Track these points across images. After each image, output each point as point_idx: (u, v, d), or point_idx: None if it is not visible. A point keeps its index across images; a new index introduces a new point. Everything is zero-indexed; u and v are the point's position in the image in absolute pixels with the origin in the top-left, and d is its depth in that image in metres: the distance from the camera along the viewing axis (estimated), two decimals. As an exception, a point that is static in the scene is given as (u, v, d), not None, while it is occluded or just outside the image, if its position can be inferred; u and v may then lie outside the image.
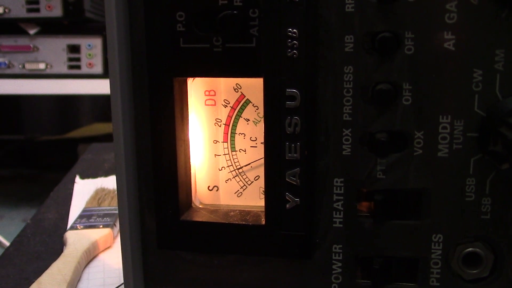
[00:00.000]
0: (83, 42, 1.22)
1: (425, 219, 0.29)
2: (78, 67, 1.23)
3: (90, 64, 1.23)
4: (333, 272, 0.30)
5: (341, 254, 0.30)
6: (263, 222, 0.30)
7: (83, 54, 1.23)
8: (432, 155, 0.28)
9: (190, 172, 0.32)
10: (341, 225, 0.30)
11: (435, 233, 0.29)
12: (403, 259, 0.30)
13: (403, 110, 0.28)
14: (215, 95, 0.32)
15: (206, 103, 0.33)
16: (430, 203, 0.29)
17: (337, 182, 0.29)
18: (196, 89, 0.32)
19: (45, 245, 0.48)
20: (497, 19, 0.27)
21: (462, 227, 0.29)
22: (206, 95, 0.33)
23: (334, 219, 0.30)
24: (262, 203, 0.30)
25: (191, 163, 0.32)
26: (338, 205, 0.30)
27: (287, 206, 0.29)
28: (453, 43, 0.27)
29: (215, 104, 0.33)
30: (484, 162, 0.28)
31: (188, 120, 0.32)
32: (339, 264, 0.30)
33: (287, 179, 0.29)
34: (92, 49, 1.22)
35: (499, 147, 0.26)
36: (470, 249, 0.29)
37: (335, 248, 0.30)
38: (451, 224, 0.29)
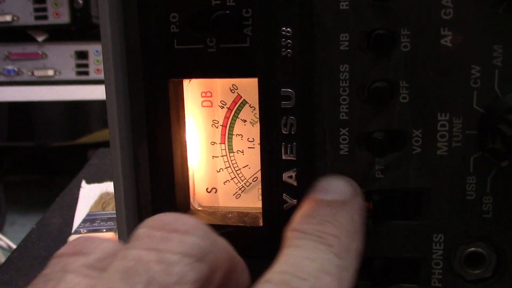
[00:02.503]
0: (91, 48, 1.23)
1: (425, 219, 0.29)
2: (86, 73, 1.25)
3: (98, 70, 1.24)
4: (333, 273, 0.30)
5: (341, 256, 0.30)
6: (261, 224, 0.30)
7: (91, 60, 1.24)
8: (431, 153, 0.28)
9: (188, 174, 0.32)
10: (340, 226, 0.29)
11: (436, 233, 0.29)
12: (404, 260, 0.29)
13: (400, 108, 0.28)
14: (211, 96, 0.32)
15: (203, 105, 0.32)
16: (430, 202, 0.28)
17: (335, 182, 0.29)
18: (193, 90, 0.32)
19: (49, 249, 0.48)
20: (495, 14, 0.26)
21: (463, 227, 0.28)
22: (202, 96, 0.32)
23: (333, 220, 0.29)
24: (260, 204, 0.30)
25: (188, 165, 0.32)
26: (336, 206, 0.29)
27: (285, 207, 0.29)
28: (450, 39, 0.27)
29: (211, 106, 0.32)
30: (484, 160, 0.28)
31: (184, 121, 0.31)
32: (339, 266, 0.30)
33: (284, 180, 0.29)
34: (99, 55, 1.23)
35: (498, 144, 0.26)
36: (472, 249, 0.29)
37: (335, 249, 0.30)
38: (452, 223, 0.28)
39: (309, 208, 0.26)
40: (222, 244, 0.23)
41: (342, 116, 0.28)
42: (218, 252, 0.22)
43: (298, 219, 0.26)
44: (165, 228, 0.21)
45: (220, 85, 0.32)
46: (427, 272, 0.29)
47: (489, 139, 0.26)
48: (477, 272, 0.29)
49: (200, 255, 0.21)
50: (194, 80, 0.32)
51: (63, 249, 0.22)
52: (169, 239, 0.21)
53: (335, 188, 0.26)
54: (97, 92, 1.23)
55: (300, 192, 0.29)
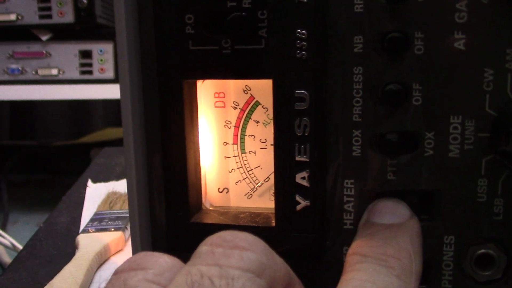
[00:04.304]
0: (95, 47, 1.23)
1: (436, 221, 0.29)
2: (90, 72, 1.25)
3: (102, 69, 1.24)
4: (344, 274, 0.30)
5: (352, 256, 0.30)
6: (273, 224, 0.30)
7: (95, 60, 1.24)
8: (443, 155, 0.28)
9: (200, 174, 0.32)
10: (351, 227, 0.30)
11: (447, 235, 0.29)
12: (415, 261, 0.30)
13: (413, 111, 0.28)
14: (224, 97, 0.32)
15: (216, 105, 0.33)
16: (441, 204, 0.29)
17: (347, 183, 0.29)
18: (206, 91, 0.33)
19: (57, 248, 0.49)
20: (508, 18, 0.26)
21: (474, 229, 0.29)
22: (215, 97, 0.33)
23: (344, 221, 0.30)
24: (272, 205, 0.30)
25: (201, 165, 0.32)
26: (348, 207, 0.29)
27: (297, 208, 0.29)
28: (463, 42, 0.27)
29: (224, 106, 0.33)
30: (496, 162, 0.28)
31: (197, 122, 0.32)
32: (350, 266, 0.30)
33: (296, 181, 0.29)
34: (103, 54, 1.23)
35: (510, 147, 0.26)
36: (482, 250, 0.29)
37: (346, 250, 0.30)
38: (463, 225, 0.29)
39: (368, 231, 0.26)
40: (280, 261, 0.24)
41: (355, 117, 0.28)
42: (277, 268, 0.23)
43: (358, 242, 0.26)
44: (225, 245, 0.22)
45: (233, 86, 0.32)
46: (438, 273, 0.29)
47: (501, 142, 0.27)
48: (487, 273, 0.29)
49: (259, 270, 0.21)
50: (207, 81, 0.32)
51: (122, 266, 0.23)
52: (230, 255, 0.22)
53: (393, 211, 0.27)
54: (101, 92, 1.23)
55: (313, 193, 0.29)
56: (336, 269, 0.30)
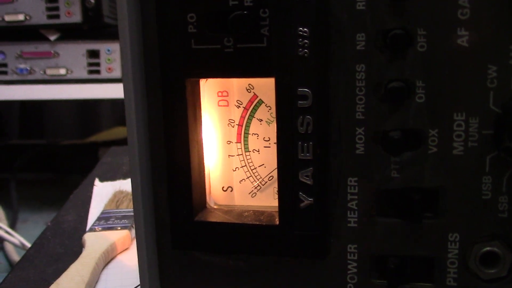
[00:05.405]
0: (103, 47, 1.24)
1: (441, 218, 0.29)
2: (98, 71, 1.25)
3: (109, 68, 1.24)
4: (348, 272, 0.30)
5: (356, 254, 0.30)
6: (277, 222, 0.30)
7: (103, 59, 1.24)
8: (447, 153, 0.28)
9: (204, 173, 0.32)
10: (355, 225, 0.30)
11: (452, 232, 0.29)
12: (419, 259, 0.30)
13: (416, 108, 0.28)
14: (227, 95, 0.33)
15: (219, 104, 0.33)
16: (446, 201, 0.29)
17: (351, 181, 0.29)
18: (209, 90, 0.33)
19: (64, 247, 0.49)
20: (511, 14, 0.26)
21: (479, 226, 0.29)
22: (219, 96, 0.33)
23: (348, 219, 0.30)
24: (276, 203, 0.30)
25: (205, 164, 0.32)
26: (352, 205, 0.29)
27: (301, 205, 0.29)
28: (466, 39, 0.27)
29: (228, 105, 0.33)
30: (500, 159, 0.28)
31: (201, 121, 0.32)
32: (354, 264, 0.30)
33: (300, 179, 0.29)
34: (111, 54, 1.23)
35: (515, 144, 0.26)
36: (487, 248, 0.29)
37: (350, 248, 0.30)
38: (468, 223, 0.29)
39: None
40: None
41: (358, 115, 0.28)
42: None
43: None
44: None
45: (237, 85, 0.32)
46: (442, 271, 0.29)
47: (505, 138, 0.26)
48: (492, 271, 0.29)
49: None
50: (210, 80, 0.32)
51: None
52: None
53: None
54: (108, 91, 1.23)
55: (316, 191, 0.29)
56: (340, 268, 0.30)
